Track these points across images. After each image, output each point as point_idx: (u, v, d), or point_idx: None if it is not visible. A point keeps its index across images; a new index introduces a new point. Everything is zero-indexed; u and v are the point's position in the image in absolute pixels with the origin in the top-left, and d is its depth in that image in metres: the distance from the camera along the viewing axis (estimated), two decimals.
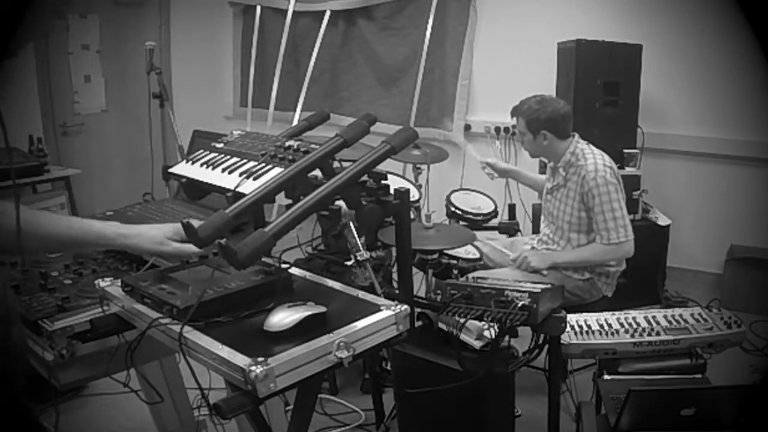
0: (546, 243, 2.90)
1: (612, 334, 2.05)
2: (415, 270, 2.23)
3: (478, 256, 2.95)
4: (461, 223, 3.16)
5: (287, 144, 1.48)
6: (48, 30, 3.96)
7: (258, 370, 1.02)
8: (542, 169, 3.70)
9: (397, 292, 1.64)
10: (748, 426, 1.61)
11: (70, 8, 4.76)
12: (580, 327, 2.09)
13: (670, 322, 2.10)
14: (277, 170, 1.39)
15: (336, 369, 1.15)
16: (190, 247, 1.33)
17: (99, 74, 5.03)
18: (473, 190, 3.45)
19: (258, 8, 5.42)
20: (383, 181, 1.45)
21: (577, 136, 2.79)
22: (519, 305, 1.62)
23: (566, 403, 2.68)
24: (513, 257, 2.71)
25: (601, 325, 2.10)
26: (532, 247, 2.96)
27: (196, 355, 1.14)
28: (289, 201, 1.34)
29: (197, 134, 2.25)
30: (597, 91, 3.71)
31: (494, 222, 3.27)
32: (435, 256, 2.81)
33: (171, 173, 1.63)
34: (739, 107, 3.91)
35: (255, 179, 1.40)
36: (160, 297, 1.23)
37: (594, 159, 2.67)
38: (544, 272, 2.61)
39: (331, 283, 1.41)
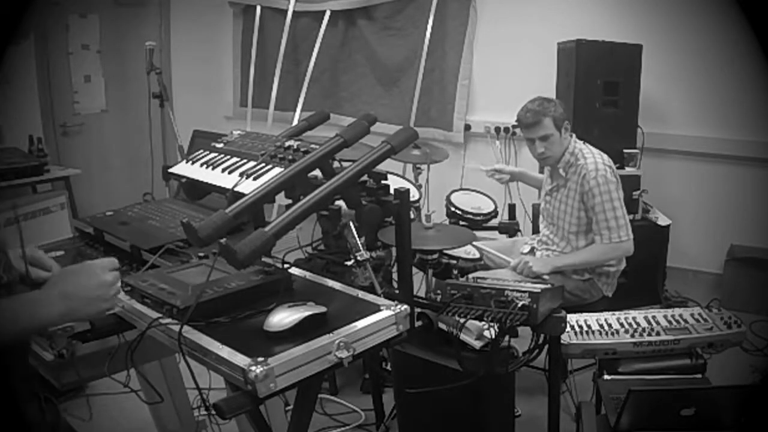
0: (546, 244, 2.90)
1: (612, 334, 2.05)
2: (415, 270, 2.23)
3: (478, 256, 2.95)
4: (461, 223, 3.15)
5: (287, 144, 1.48)
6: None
7: (258, 370, 1.02)
8: (543, 170, 3.70)
9: (397, 292, 1.64)
10: (748, 426, 1.61)
11: (70, 8, 4.76)
12: (580, 327, 2.09)
13: (670, 322, 2.10)
14: (277, 170, 1.39)
15: (336, 369, 1.15)
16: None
17: (99, 74, 5.03)
18: (473, 190, 3.45)
19: (258, 8, 5.42)
20: (383, 181, 1.45)
21: (574, 136, 2.79)
22: (519, 305, 1.62)
23: (566, 403, 2.68)
24: (513, 264, 2.71)
25: (601, 325, 2.10)
26: (532, 248, 2.96)
27: (196, 355, 1.14)
28: (289, 201, 1.34)
29: (197, 134, 2.25)
30: (597, 91, 3.70)
31: (494, 222, 3.27)
32: (435, 256, 2.80)
33: (171, 173, 1.63)
34: (739, 107, 3.91)
35: (255, 179, 1.40)
36: (160, 297, 1.23)
37: (594, 158, 2.68)
38: (545, 277, 2.61)
39: (331, 283, 1.41)
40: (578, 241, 2.75)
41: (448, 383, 1.83)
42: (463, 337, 1.98)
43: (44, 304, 1.11)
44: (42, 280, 1.27)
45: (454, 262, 2.87)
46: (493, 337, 1.77)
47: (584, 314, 2.17)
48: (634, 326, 2.07)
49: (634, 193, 3.61)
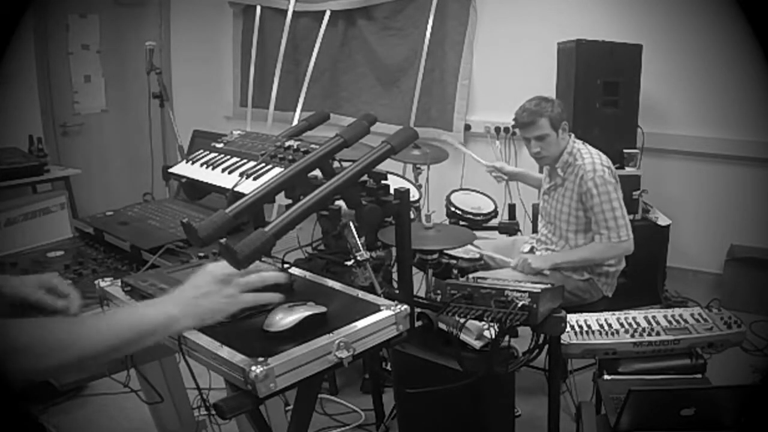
0: (545, 243, 2.90)
1: (612, 334, 2.05)
2: (415, 270, 2.22)
3: (478, 256, 2.95)
4: (461, 223, 3.15)
5: (287, 144, 1.48)
6: None
7: (258, 370, 1.02)
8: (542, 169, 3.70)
9: (397, 292, 1.64)
10: (748, 426, 1.61)
11: (70, 8, 4.76)
12: (580, 327, 2.09)
13: (670, 322, 2.10)
14: (277, 170, 1.39)
15: (336, 369, 1.15)
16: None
17: (99, 74, 5.03)
18: (473, 190, 3.45)
19: (258, 8, 5.42)
20: (383, 181, 1.45)
21: (573, 136, 2.79)
22: (519, 305, 1.61)
23: (566, 403, 2.68)
24: (513, 264, 2.71)
25: (601, 325, 2.10)
26: (532, 247, 2.96)
27: (196, 355, 1.14)
28: (289, 201, 1.34)
29: (197, 134, 2.25)
30: (597, 91, 3.70)
31: (494, 222, 3.27)
32: (435, 256, 2.80)
33: (171, 173, 1.63)
34: (739, 107, 3.91)
35: (255, 179, 1.40)
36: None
37: (592, 159, 2.68)
38: (546, 272, 2.61)
39: (331, 283, 1.41)
40: (576, 240, 2.75)
41: (448, 383, 1.84)
42: (463, 337, 1.98)
43: (151, 304, 1.08)
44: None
45: (454, 262, 2.88)
46: (493, 337, 1.77)
47: (584, 314, 2.17)
48: (634, 326, 2.07)
49: (634, 193, 3.61)
